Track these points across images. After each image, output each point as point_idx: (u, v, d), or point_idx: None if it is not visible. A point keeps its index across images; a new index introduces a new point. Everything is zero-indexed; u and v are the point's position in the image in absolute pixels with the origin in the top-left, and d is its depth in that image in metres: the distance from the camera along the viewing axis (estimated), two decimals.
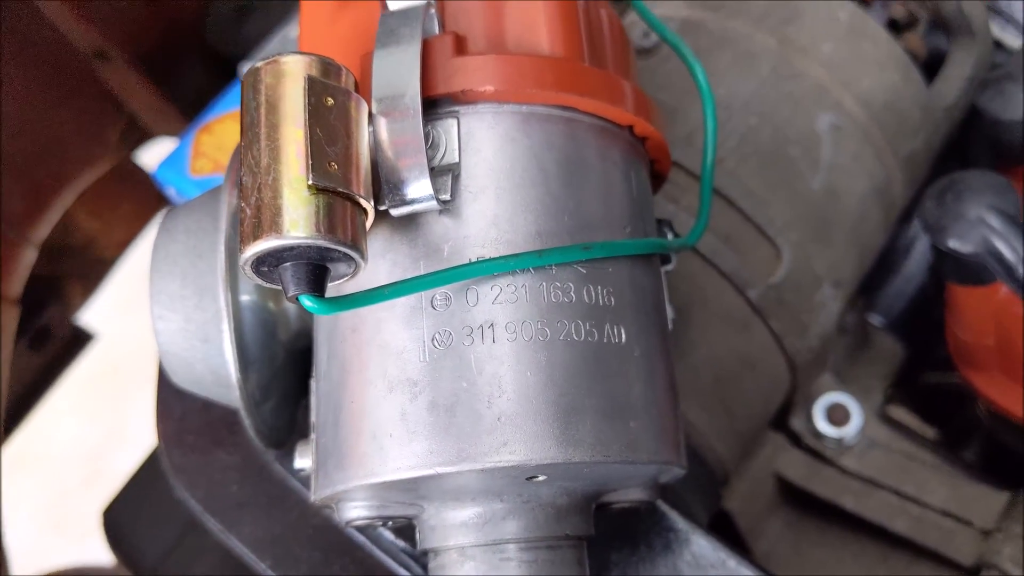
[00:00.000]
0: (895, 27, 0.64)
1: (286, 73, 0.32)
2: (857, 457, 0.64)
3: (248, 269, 0.31)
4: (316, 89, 0.32)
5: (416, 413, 0.33)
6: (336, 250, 0.31)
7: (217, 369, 0.42)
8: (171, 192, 0.67)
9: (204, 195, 0.44)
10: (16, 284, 0.95)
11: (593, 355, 0.34)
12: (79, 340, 1.29)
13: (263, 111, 0.32)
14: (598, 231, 0.36)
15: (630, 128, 0.40)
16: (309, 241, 0.30)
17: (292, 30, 0.67)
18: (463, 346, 0.33)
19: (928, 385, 0.77)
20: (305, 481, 0.50)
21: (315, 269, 0.31)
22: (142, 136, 1.20)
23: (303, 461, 0.40)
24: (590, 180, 0.37)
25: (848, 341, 0.71)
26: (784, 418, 0.65)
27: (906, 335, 0.73)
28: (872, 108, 0.59)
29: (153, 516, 0.95)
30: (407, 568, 0.47)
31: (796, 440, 0.65)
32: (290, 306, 0.43)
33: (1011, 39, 0.71)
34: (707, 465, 0.54)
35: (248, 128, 0.32)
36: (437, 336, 0.33)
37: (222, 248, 0.39)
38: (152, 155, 1.30)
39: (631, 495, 0.38)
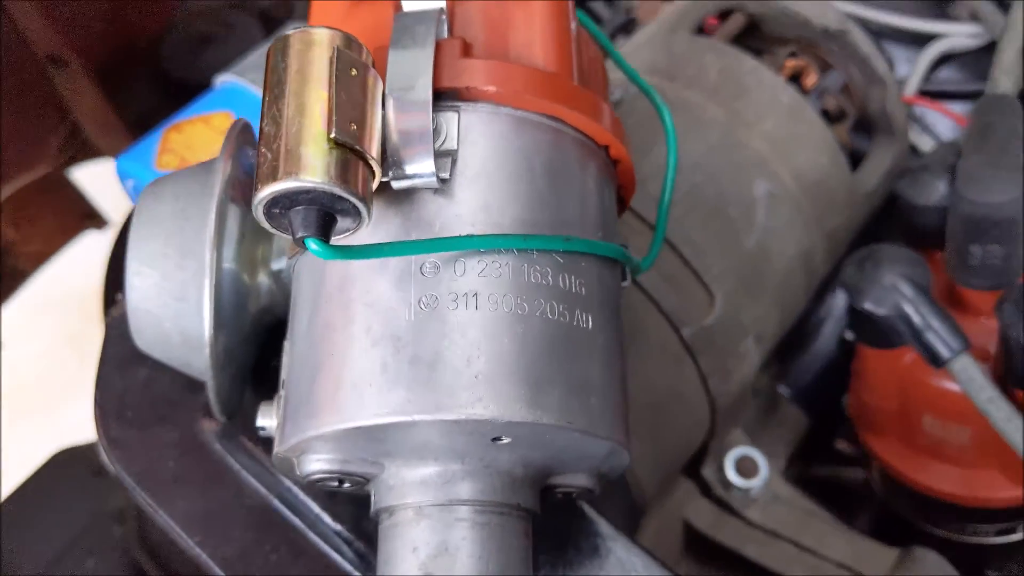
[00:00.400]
0: (827, 117, 0.70)
1: (316, 42, 0.35)
2: (761, 510, 0.68)
3: (260, 210, 0.33)
4: (343, 59, 0.35)
5: (398, 366, 0.35)
6: (347, 200, 0.33)
7: (186, 329, 0.43)
8: (129, 185, 0.68)
9: (193, 167, 0.46)
10: None
11: (564, 334, 0.37)
12: None
13: (291, 72, 0.35)
14: (574, 229, 0.40)
15: (606, 149, 0.44)
16: (324, 186, 0.33)
17: None
18: (448, 310, 0.36)
19: (818, 476, 0.82)
20: (245, 460, 0.50)
21: (324, 216, 0.34)
22: (80, 149, 1.19)
23: (265, 420, 0.41)
24: (570, 185, 0.41)
25: (760, 404, 0.75)
26: (697, 467, 0.68)
27: (809, 407, 0.79)
28: (803, 183, 0.64)
29: (33, 532, 0.92)
30: (339, 551, 0.48)
31: (706, 490, 0.69)
32: (262, 282, 0.45)
33: (926, 145, 0.79)
34: (629, 489, 0.57)
35: (274, 85, 0.35)
36: (424, 299, 0.36)
37: (214, 210, 0.41)
38: (82, 173, 1.29)
39: (577, 480, 0.41)
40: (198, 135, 0.65)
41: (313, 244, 0.33)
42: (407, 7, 0.41)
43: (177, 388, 0.54)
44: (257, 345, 0.48)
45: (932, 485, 0.64)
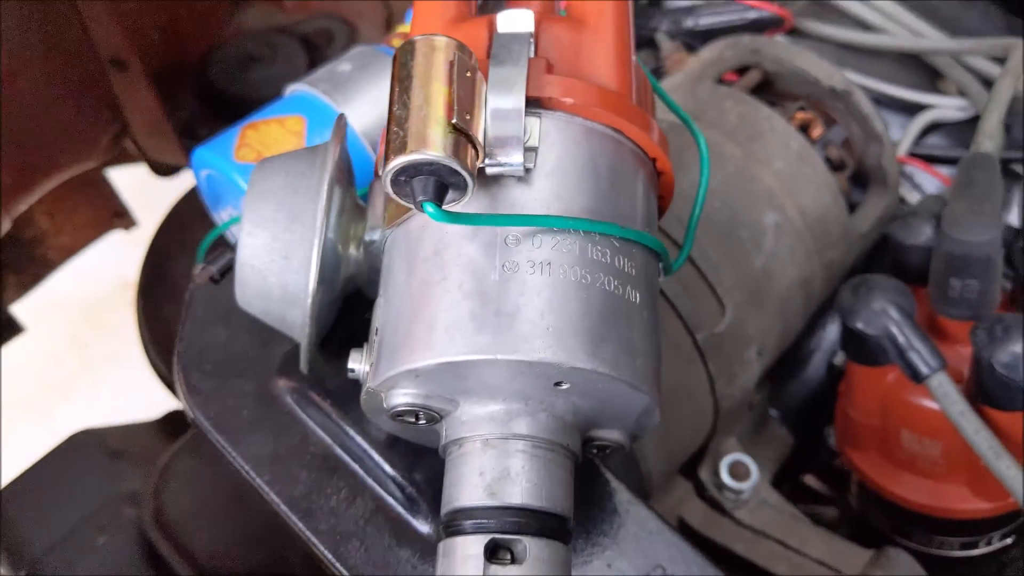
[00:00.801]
0: (829, 165, 0.79)
1: (438, 48, 0.43)
2: (750, 512, 0.75)
3: (389, 177, 0.41)
4: (460, 62, 0.43)
5: (484, 315, 0.42)
6: (459, 174, 0.41)
7: (288, 284, 0.50)
8: (203, 175, 0.75)
9: (300, 150, 0.53)
10: None
11: (617, 303, 0.44)
12: (8, 329, 1.30)
13: (418, 69, 0.43)
14: (627, 223, 0.47)
15: (654, 161, 0.52)
16: (444, 160, 0.40)
17: (339, 65, 0.78)
18: (526, 274, 0.43)
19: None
20: (313, 412, 0.57)
21: (440, 185, 0.41)
22: (124, 149, 1.26)
23: (355, 364, 0.48)
24: (626, 187, 0.48)
25: (752, 420, 0.83)
26: (694, 468, 0.75)
27: (795, 429, 0.86)
28: (807, 217, 0.73)
29: (47, 507, 0.97)
30: (392, 495, 0.54)
31: (700, 490, 0.76)
32: (351, 254, 0.52)
33: (914, 199, 0.88)
34: (640, 474, 0.64)
35: (403, 79, 0.43)
36: (507, 264, 0.43)
37: (327, 182, 0.48)
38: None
39: (612, 435, 0.48)
40: (273, 134, 0.72)
41: (429, 208, 0.41)
42: (502, 29, 0.49)
43: (253, 347, 0.61)
44: (336, 310, 0.55)
45: (906, 496, 0.72)
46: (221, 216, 0.78)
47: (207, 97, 1.25)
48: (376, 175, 0.53)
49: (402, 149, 0.40)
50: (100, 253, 1.48)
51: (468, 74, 0.43)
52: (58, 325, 2.03)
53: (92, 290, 2.09)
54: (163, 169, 1.31)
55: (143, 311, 1.07)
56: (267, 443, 0.57)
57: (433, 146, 0.40)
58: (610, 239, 0.46)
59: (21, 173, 1.02)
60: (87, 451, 1.04)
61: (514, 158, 0.44)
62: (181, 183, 1.34)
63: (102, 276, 2.09)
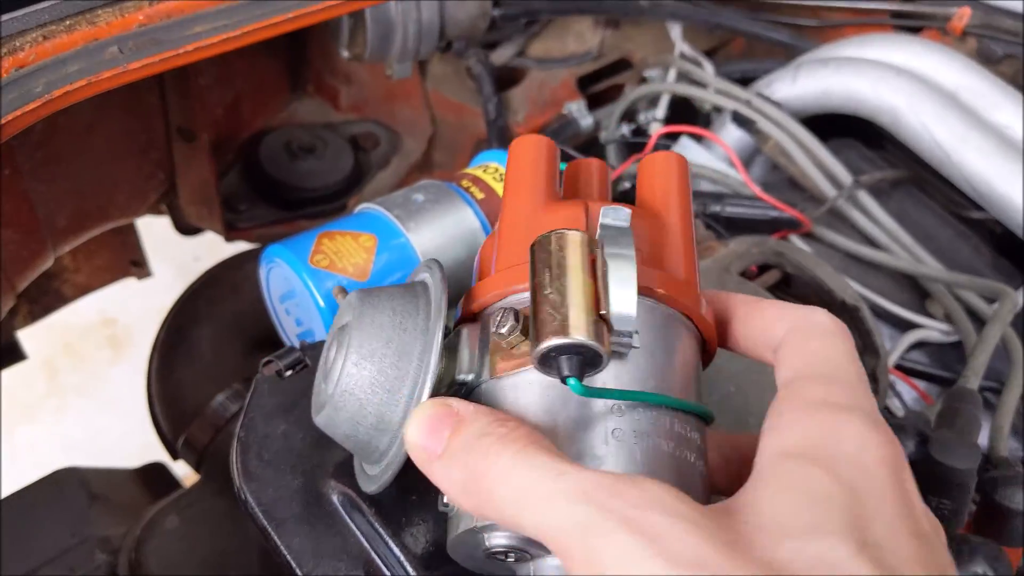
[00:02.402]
0: None
1: (573, 241, 0.50)
2: None
3: (541, 353, 0.47)
4: (600, 259, 0.50)
5: None
6: (600, 355, 0.47)
7: (384, 415, 0.54)
8: (270, 268, 0.81)
9: (396, 287, 0.59)
10: (25, 281, 1.03)
11: (692, 473, 0.50)
12: (12, 354, 1.32)
13: (564, 261, 0.49)
14: (693, 398, 0.54)
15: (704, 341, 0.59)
16: (590, 343, 0.46)
17: (413, 193, 0.85)
18: (630, 443, 0.49)
19: None
20: (358, 517, 0.61)
21: (582, 363, 0.48)
22: (158, 208, 1.32)
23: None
24: (691, 365, 0.55)
25: None
26: None
27: None
28: None
29: (19, 539, 1.00)
30: None
31: None
32: (440, 391, 0.58)
33: (892, 406, 0.97)
34: None
35: (552, 267, 0.49)
36: (616, 431, 0.49)
37: (439, 331, 0.54)
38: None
39: None
40: (346, 246, 0.78)
41: (572, 381, 0.47)
42: (604, 221, 0.56)
43: (307, 447, 0.65)
44: None
45: None
46: (278, 308, 0.84)
47: (251, 175, 1.31)
48: (466, 319, 0.59)
49: (556, 332, 0.47)
50: None
51: (602, 269, 0.51)
52: (35, 347, 2.06)
53: (75, 320, 2.11)
54: (188, 229, 1.37)
55: (158, 368, 1.11)
56: (310, 538, 0.62)
57: (584, 332, 0.47)
58: (689, 415, 0.53)
59: (76, 218, 1.07)
60: (69, 489, 1.06)
61: (625, 340, 0.51)
62: (191, 241, 1.40)
63: (87, 308, 2.12)
